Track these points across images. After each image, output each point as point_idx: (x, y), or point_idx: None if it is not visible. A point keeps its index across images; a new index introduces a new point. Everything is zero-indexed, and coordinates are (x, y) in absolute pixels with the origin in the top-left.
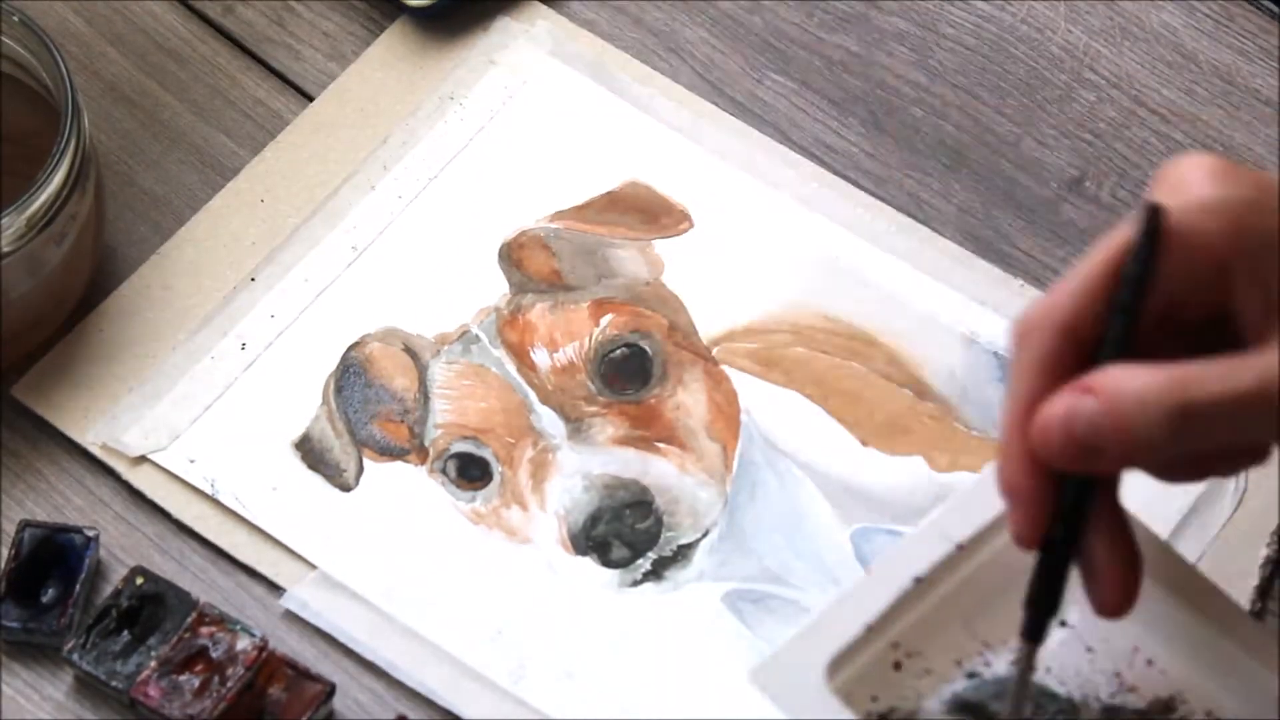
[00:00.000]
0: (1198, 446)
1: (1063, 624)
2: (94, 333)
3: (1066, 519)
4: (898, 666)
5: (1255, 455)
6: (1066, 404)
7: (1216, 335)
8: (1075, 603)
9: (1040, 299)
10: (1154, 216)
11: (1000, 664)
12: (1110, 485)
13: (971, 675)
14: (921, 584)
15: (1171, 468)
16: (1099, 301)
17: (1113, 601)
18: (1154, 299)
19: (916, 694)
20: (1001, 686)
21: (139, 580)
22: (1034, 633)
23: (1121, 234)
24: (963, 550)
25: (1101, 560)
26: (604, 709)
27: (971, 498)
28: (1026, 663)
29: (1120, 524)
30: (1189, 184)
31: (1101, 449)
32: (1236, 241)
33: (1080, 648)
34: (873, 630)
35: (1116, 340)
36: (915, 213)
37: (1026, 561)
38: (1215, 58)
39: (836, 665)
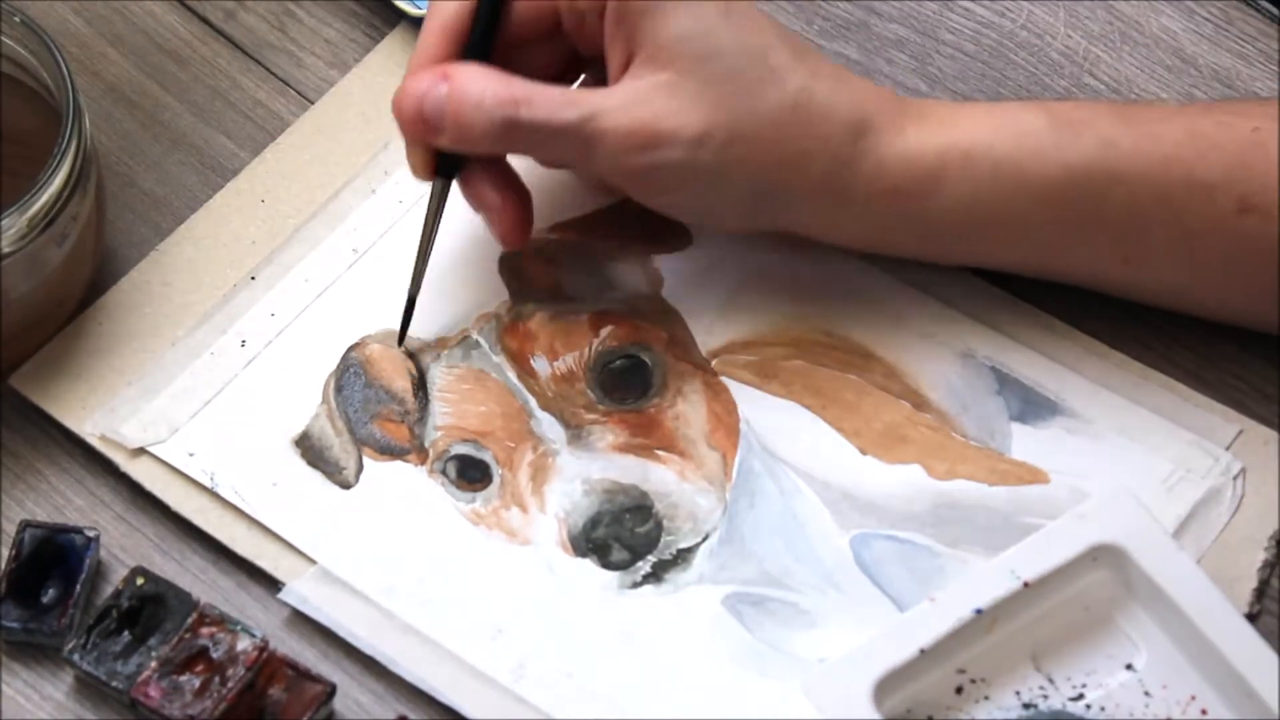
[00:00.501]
0: (524, 153)
1: (1128, 668)
2: (93, 326)
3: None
4: (959, 691)
5: (588, 174)
6: (426, 83)
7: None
8: (1143, 650)
9: None
10: None
11: (1056, 699)
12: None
13: (1027, 706)
14: (983, 615)
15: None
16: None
17: (507, 232)
18: (524, 8)
19: (970, 718)
20: (1053, 719)
21: (139, 580)
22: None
23: None
24: (1029, 588)
25: (495, 203)
26: (604, 709)
27: (1042, 541)
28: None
29: (508, 176)
30: None
31: (440, 130)
32: None
33: (1139, 692)
34: (927, 654)
35: (475, 40)
36: None
37: (1098, 607)
38: (1215, 61)
39: (892, 684)
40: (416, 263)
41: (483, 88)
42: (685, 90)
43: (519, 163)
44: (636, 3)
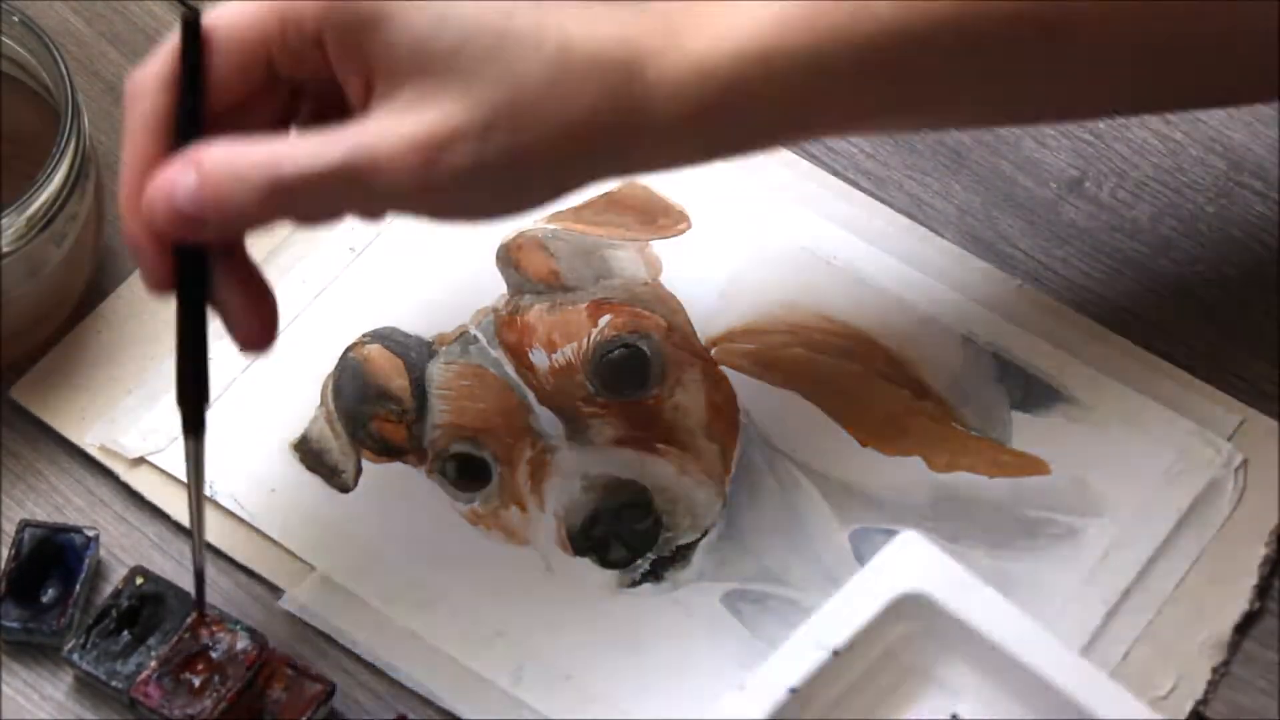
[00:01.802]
0: (299, 216)
1: (954, 718)
2: (91, 335)
3: (187, 291)
4: None
5: (370, 215)
6: (170, 178)
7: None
8: (965, 695)
9: (150, 59)
10: (188, 27)
11: None
12: (236, 244)
13: None
14: (798, 694)
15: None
16: (173, 78)
17: (246, 339)
18: (230, 67)
19: None
20: None
21: (139, 580)
22: (194, 426)
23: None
24: (839, 656)
25: (236, 306)
26: (603, 709)
27: (842, 603)
28: (195, 459)
29: (248, 271)
30: None
31: (204, 219)
32: (327, 17)
33: None
34: None
35: (184, 118)
36: (915, 213)
37: (912, 659)
38: None
39: None
40: (194, 534)
41: (234, 159)
42: (446, 91)
43: None
44: (355, 21)
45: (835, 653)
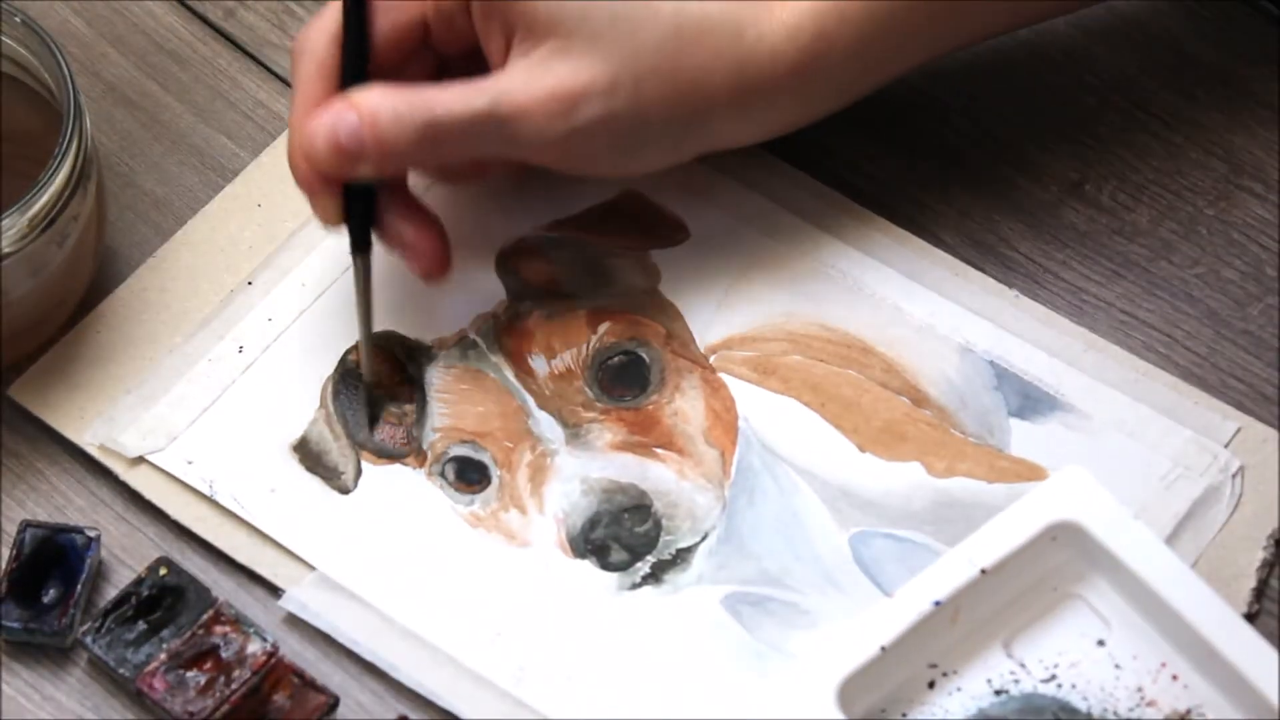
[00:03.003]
0: (447, 156)
1: (1099, 643)
2: (91, 335)
3: (356, 214)
4: (931, 685)
5: (506, 161)
6: (331, 116)
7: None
8: (1111, 624)
9: (317, 17)
10: None
11: (1028, 682)
12: (398, 183)
13: (999, 692)
14: (943, 607)
15: (440, 173)
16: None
17: (429, 268)
18: (390, 27)
19: (944, 710)
20: (1025, 702)
21: (162, 571)
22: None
23: None
24: (986, 574)
25: (410, 237)
26: (603, 710)
27: (998, 526)
28: (364, 274)
29: (414, 205)
30: None
31: (363, 156)
32: None
33: (1110, 666)
34: (890, 651)
35: (348, 69)
36: (915, 217)
37: (1065, 585)
38: (1214, 60)
39: (858, 685)
40: (363, 348)
41: (394, 101)
42: (576, 50)
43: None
44: None
45: (983, 571)
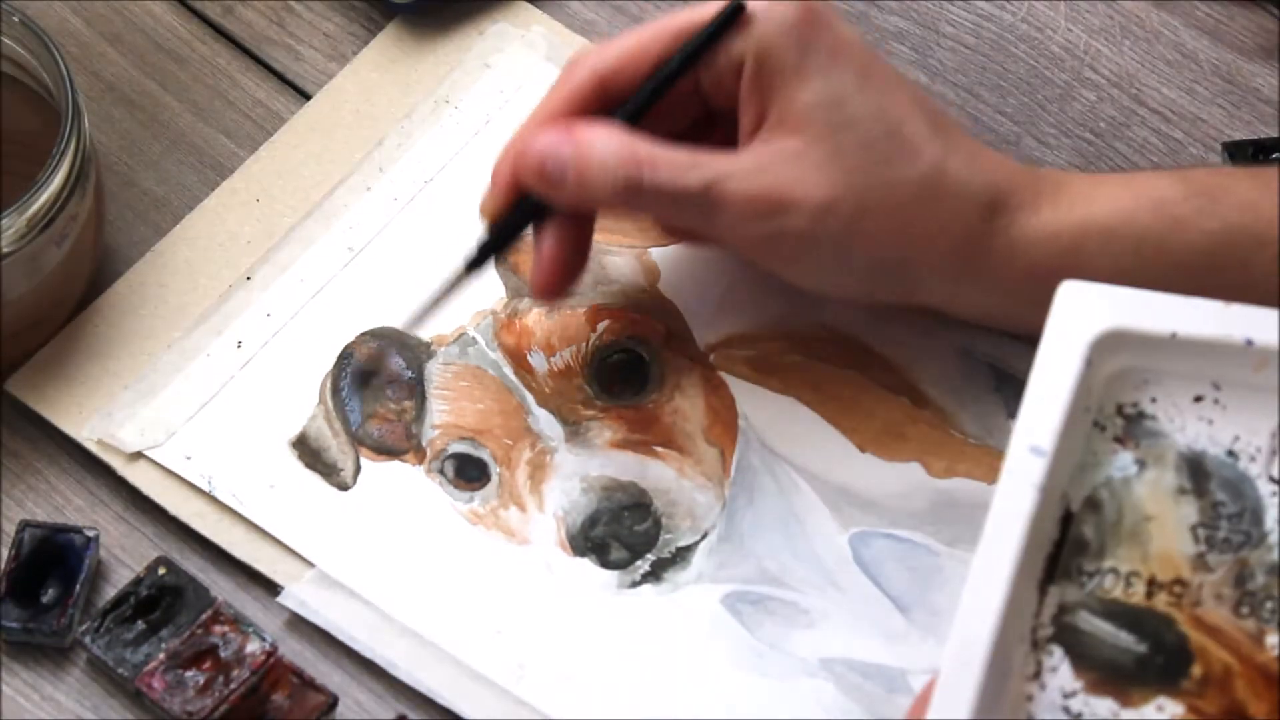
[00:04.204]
0: (645, 215)
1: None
2: (89, 329)
3: (507, 229)
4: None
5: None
6: (551, 141)
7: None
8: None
9: (597, 45)
10: (736, 9)
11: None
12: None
13: None
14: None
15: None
16: (640, 64)
17: (539, 288)
18: (693, 80)
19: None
20: None
21: (161, 570)
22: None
23: (691, 17)
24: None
25: (546, 257)
26: (603, 709)
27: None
28: (451, 285)
29: (578, 235)
30: None
31: (561, 189)
32: (760, 48)
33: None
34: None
35: (640, 99)
36: None
37: None
38: (1216, 56)
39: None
40: (427, 303)
41: (607, 148)
42: (813, 159)
43: None
44: (775, 64)
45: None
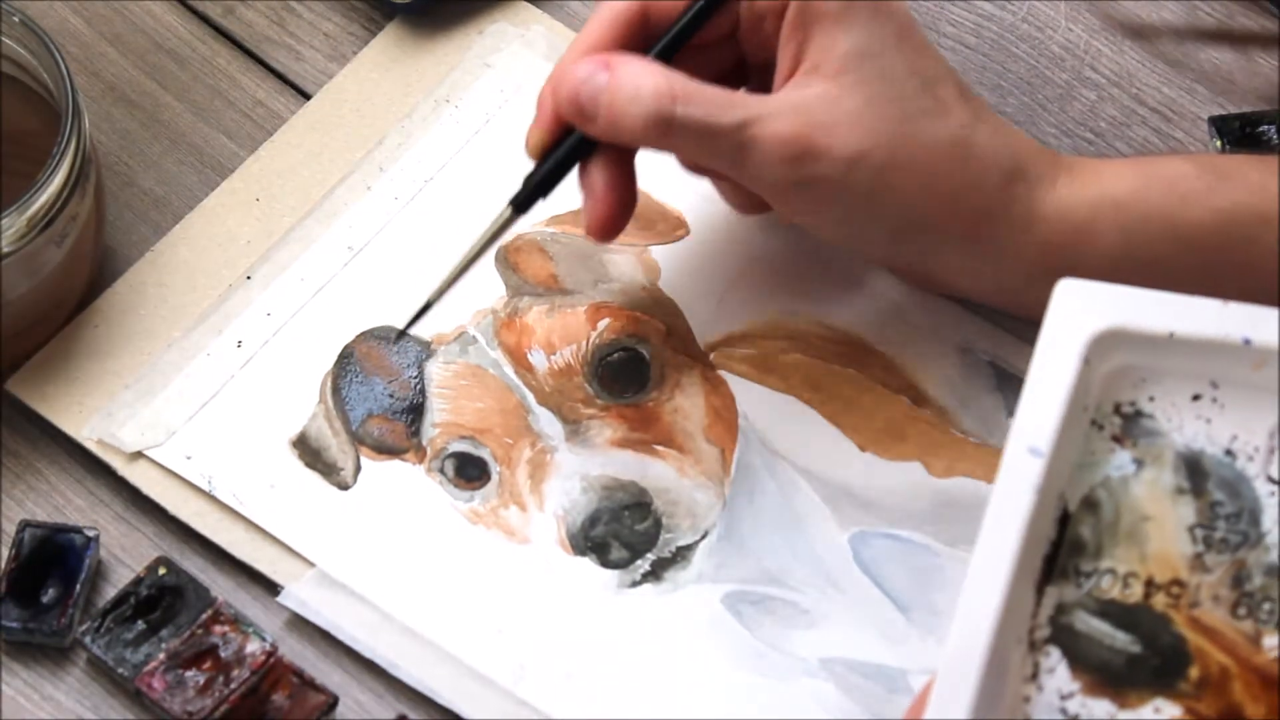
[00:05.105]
0: (675, 152)
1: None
2: (89, 329)
3: (553, 165)
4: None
5: (730, 178)
6: (588, 70)
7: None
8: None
9: None
10: None
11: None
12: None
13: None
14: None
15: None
16: None
17: (596, 226)
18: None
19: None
20: None
21: (161, 570)
22: (523, 205)
23: None
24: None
25: (599, 190)
26: (603, 709)
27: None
28: (499, 227)
29: (623, 169)
30: None
31: (594, 119)
32: None
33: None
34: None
35: (668, 41)
36: None
37: None
38: (1215, 57)
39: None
40: (452, 273)
41: (642, 80)
42: (848, 106)
43: None
44: (819, 8)
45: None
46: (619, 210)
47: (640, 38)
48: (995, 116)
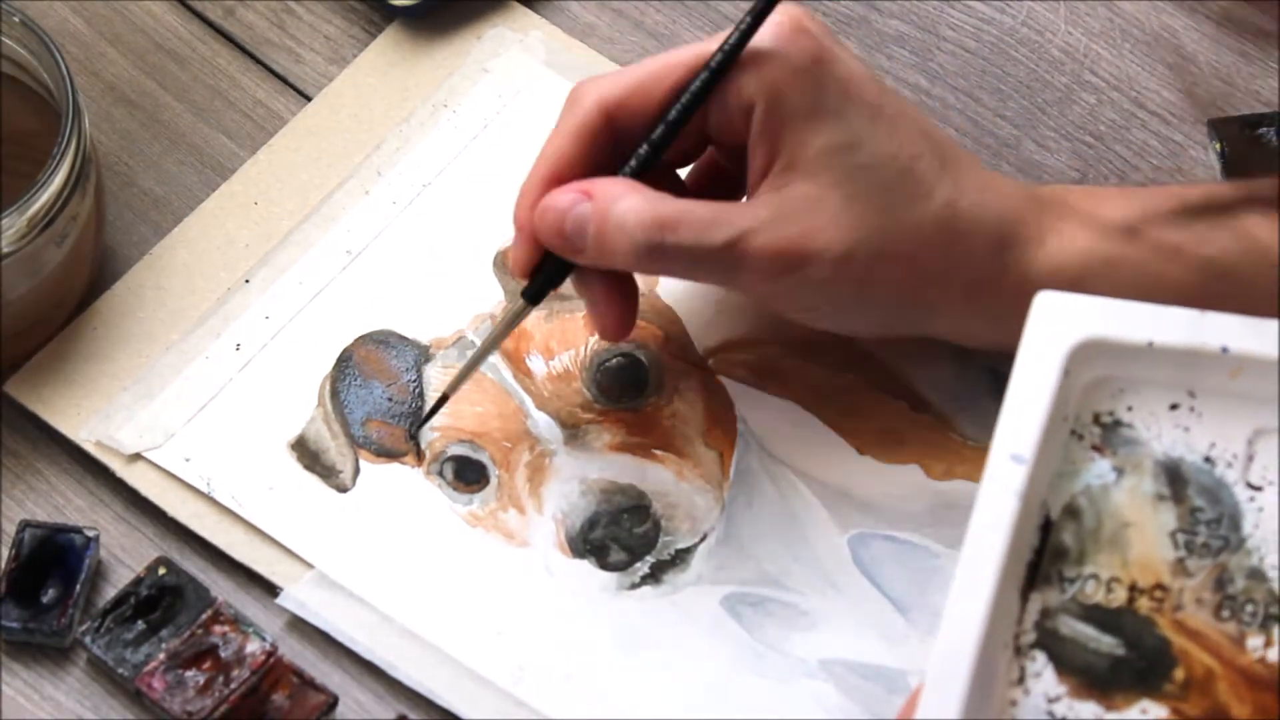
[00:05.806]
0: (663, 275)
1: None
2: (87, 332)
3: (546, 277)
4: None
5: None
6: (569, 200)
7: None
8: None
9: (599, 76)
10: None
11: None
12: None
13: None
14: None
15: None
16: (648, 96)
17: (608, 328)
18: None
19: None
20: None
21: (161, 570)
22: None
23: (698, 50)
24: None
25: (599, 299)
26: (603, 709)
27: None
28: (513, 319)
29: (619, 278)
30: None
31: (581, 251)
32: (770, 91)
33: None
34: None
35: (650, 148)
36: None
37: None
38: (1215, 59)
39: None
40: (464, 367)
41: (627, 211)
42: (831, 206)
43: None
44: (787, 107)
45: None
46: (624, 311)
47: (608, 145)
48: (978, 175)
